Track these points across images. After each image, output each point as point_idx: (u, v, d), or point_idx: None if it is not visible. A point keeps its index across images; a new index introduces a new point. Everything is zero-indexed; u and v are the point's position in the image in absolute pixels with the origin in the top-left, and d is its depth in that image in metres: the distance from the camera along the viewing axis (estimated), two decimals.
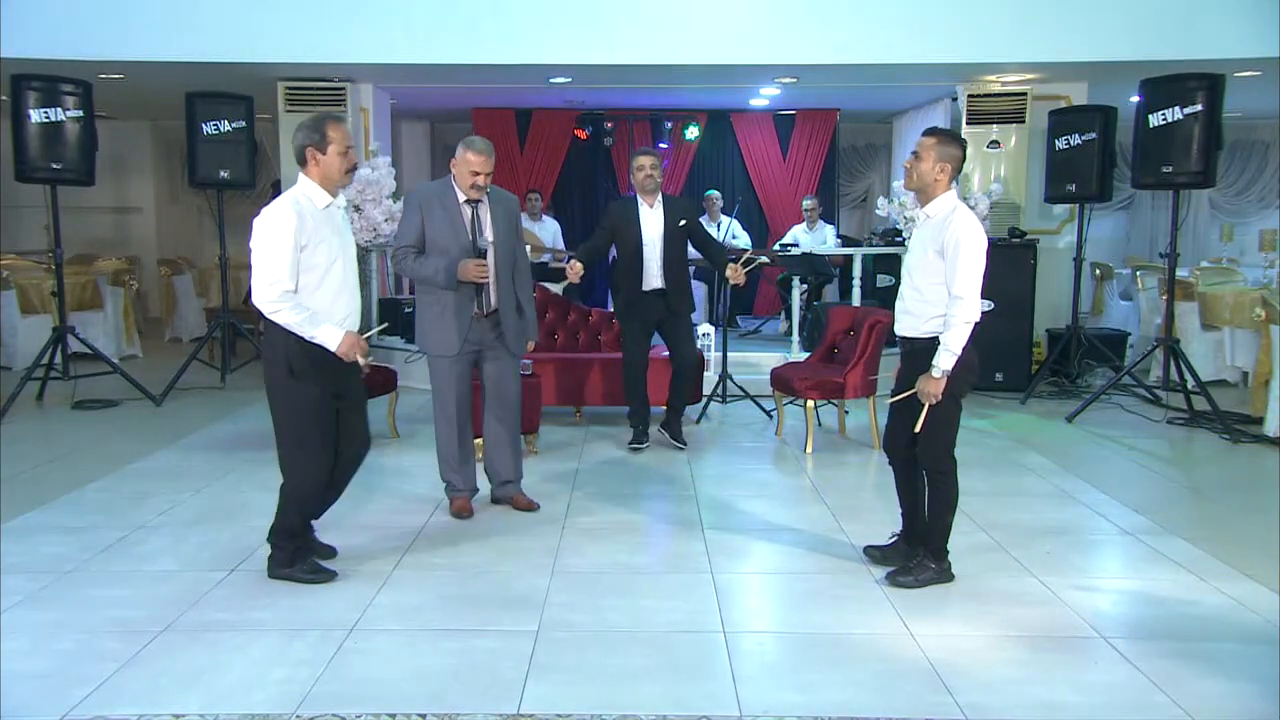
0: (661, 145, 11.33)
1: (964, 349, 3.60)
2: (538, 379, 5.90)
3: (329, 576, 3.81)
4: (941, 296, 3.63)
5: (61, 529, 4.41)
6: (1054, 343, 8.02)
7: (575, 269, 5.53)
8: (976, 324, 3.62)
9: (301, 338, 3.58)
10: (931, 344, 3.64)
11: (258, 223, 3.56)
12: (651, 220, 5.73)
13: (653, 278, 5.73)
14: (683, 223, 5.77)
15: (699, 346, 7.10)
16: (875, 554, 4.04)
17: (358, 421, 3.89)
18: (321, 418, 3.69)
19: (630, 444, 5.91)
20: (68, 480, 5.17)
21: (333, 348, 3.61)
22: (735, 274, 5.87)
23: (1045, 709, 2.89)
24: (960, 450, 5.96)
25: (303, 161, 3.63)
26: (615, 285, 6.08)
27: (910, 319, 3.75)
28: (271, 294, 3.53)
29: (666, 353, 6.04)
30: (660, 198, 5.78)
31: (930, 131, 3.75)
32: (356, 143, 8.39)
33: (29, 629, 3.36)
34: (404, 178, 9.06)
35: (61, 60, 7.07)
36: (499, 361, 4.62)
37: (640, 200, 5.76)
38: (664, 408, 6.07)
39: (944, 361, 3.57)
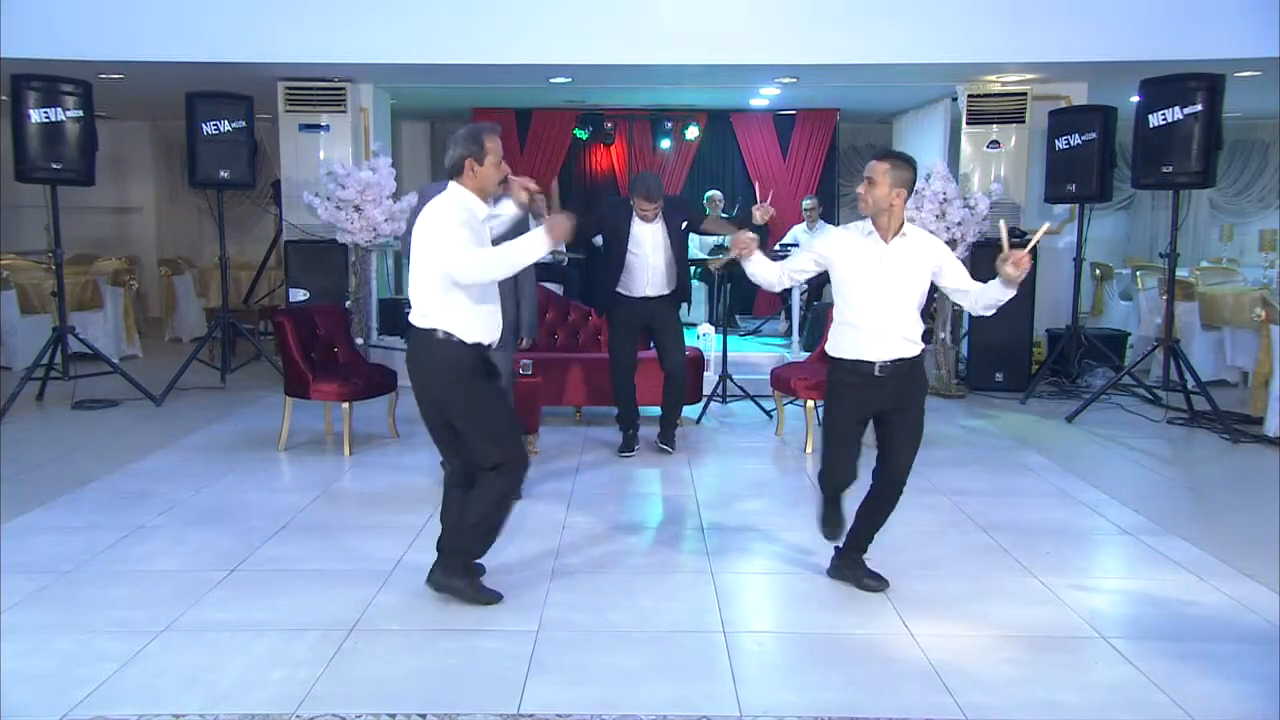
0: (664, 144, 11.33)
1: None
2: (538, 379, 5.90)
3: (494, 598, 3.64)
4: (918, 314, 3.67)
5: (61, 529, 4.41)
6: (1054, 343, 8.02)
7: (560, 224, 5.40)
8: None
9: (463, 341, 3.51)
10: (919, 360, 3.67)
11: (433, 216, 3.51)
12: (645, 233, 5.64)
13: (639, 285, 5.67)
14: (685, 224, 5.74)
15: (699, 346, 7.12)
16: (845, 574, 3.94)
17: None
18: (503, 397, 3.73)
19: (620, 450, 5.86)
20: (68, 480, 5.17)
21: (548, 239, 3.46)
22: (763, 212, 5.60)
23: (1045, 709, 2.89)
24: (960, 450, 6.03)
25: (458, 171, 3.57)
26: (595, 280, 6.03)
27: (905, 343, 3.62)
28: (476, 264, 3.46)
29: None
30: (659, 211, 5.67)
31: (882, 156, 3.67)
32: (356, 143, 8.49)
33: (29, 629, 3.36)
34: (404, 178, 9.06)
35: (61, 60, 7.06)
36: (494, 354, 4.76)
37: (636, 213, 5.65)
38: (654, 408, 6.04)
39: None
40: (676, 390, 5.90)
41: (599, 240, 6.01)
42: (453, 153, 3.57)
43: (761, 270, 3.88)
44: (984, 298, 3.60)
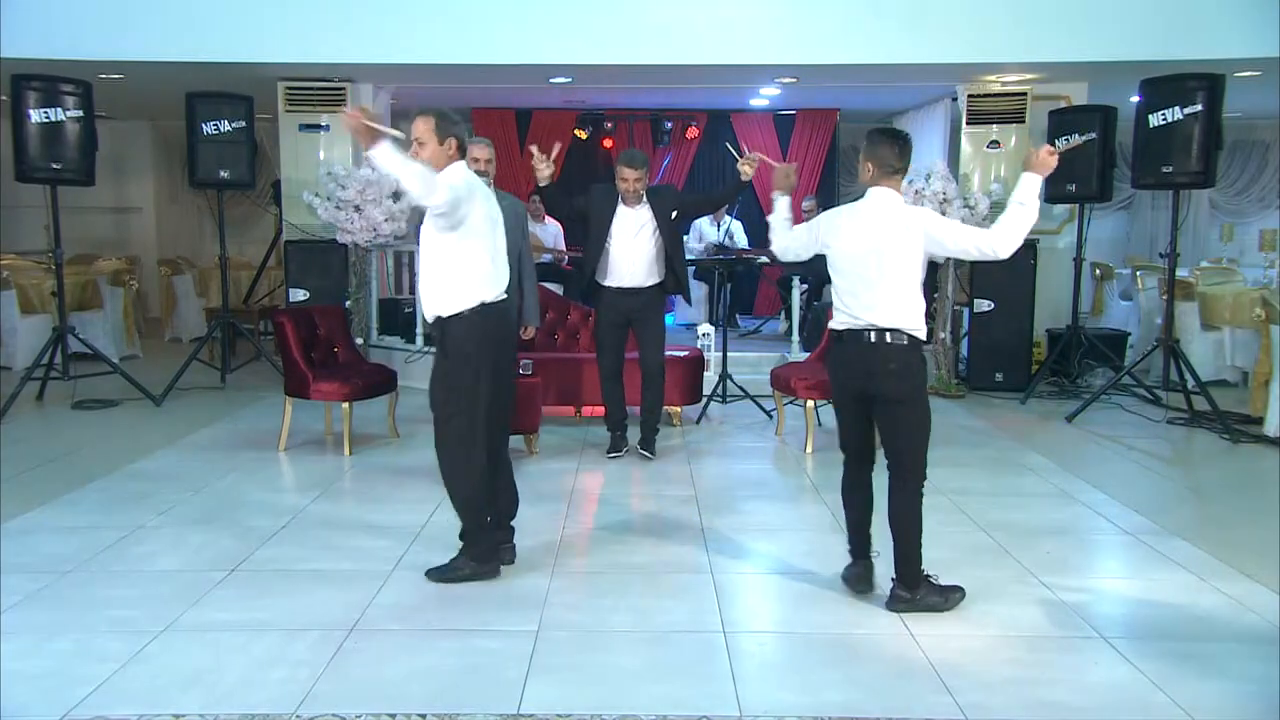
0: (664, 144, 11.33)
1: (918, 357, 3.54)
2: (538, 379, 5.90)
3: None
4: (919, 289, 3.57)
5: (61, 529, 4.41)
6: (1054, 343, 8.02)
7: (543, 168, 5.24)
8: (920, 336, 3.52)
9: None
10: (900, 348, 3.49)
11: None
12: (630, 222, 5.56)
13: (620, 274, 5.58)
14: (674, 213, 5.63)
15: (699, 346, 7.12)
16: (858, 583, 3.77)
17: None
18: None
19: (607, 451, 5.79)
20: (68, 480, 5.17)
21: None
22: (749, 164, 5.47)
23: (1045, 709, 2.88)
24: (960, 450, 6.04)
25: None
26: (579, 269, 5.95)
27: (877, 314, 3.49)
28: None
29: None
30: (645, 197, 5.59)
31: (869, 133, 3.70)
32: (356, 143, 8.44)
33: (29, 629, 3.36)
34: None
35: (61, 60, 7.06)
36: None
37: (621, 200, 5.57)
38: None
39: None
40: (654, 391, 5.76)
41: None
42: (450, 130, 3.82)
43: (783, 225, 4.04)
44: (1007, 224, 3.46)
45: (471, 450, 3.76)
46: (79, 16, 7.17)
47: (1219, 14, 7.08)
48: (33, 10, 7.08)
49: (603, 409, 5.93)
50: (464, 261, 3.74)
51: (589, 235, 5.67)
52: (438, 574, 3.84)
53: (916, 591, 3.55)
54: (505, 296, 3.85)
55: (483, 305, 3.74)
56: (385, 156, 3.50)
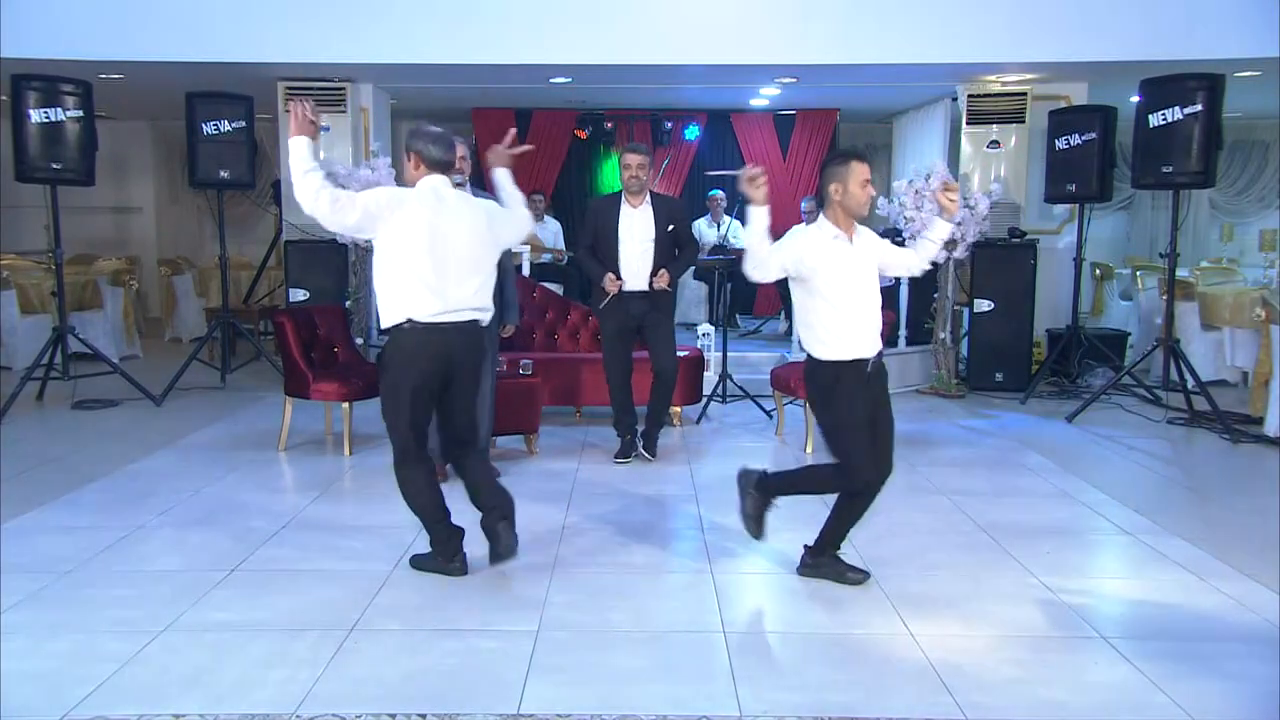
0: (664, 144, 11.33)
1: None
2: (538, 379, 5.90)
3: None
4: None
5: (61, 529, 4.41)
6: (1054, 343, 8.02)
7: (613, 281, 5.48)
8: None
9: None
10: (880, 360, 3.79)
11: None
12: (634, 221, 5.53)
13: (631, 279, 5.53)
14: (671, 228, 5.58)
15: (699, 346, 7.12)
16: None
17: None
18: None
19: (616, 456, 5.72)
20: (68, 480, 5.17)
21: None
22: (660, 279, 5.55)
23: (1045, 709, 2.88)
24: (960, 450, 6.03)
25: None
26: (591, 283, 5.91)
27: (879, 339, 3.78)
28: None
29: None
30: (649, 198, 5.57)
31: (862, 157, 3.84)
32: (356, 143, 8.48)
33: (29, 629, 3.36)
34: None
35: (61, 60, 7.07)
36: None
37: (624, 199, 5.56)
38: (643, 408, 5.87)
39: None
40: (665, 393, 5.71)
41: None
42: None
43: (760, 235, 3.85)
44: (925, 250, 3.95)
45: (402, 466, 3.78)
46: (79, 16, 7.18)
47: (1219, 14, 7.09)
48: (33, 10, 7.08)
49: (601, 408, 5.89)
50: (391, 276, 3.69)
51: (598, 247, 5.62)
52: (417, 561, 3.95)
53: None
54: (450, 316, 3.68)
55: (410, 323, 3.65)
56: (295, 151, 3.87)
